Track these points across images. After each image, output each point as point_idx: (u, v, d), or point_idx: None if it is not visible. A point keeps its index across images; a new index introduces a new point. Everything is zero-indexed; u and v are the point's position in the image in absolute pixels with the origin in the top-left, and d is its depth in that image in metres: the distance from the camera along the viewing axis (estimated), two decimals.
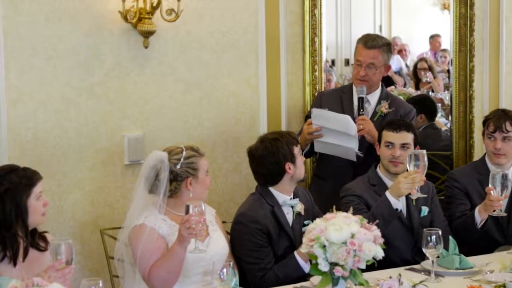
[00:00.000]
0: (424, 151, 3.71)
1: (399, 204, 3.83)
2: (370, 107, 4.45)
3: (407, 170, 3.74)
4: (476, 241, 4.08)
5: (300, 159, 3.84)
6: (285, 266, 3.65)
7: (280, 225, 3.76)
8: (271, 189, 3.82)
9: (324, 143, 4.28)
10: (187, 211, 3.22)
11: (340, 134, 4.21)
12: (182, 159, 3.51)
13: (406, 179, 3.71)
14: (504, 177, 3.77)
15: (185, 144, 3.63)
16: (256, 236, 3.69)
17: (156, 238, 3.44)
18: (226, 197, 4.56)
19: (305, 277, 3.55)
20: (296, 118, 4.73)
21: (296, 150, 3.83)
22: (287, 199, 3.82)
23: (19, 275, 2.96)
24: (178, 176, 3.50)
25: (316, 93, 4.69)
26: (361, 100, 4.33)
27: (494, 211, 3.87)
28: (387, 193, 3.82)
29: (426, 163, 3.66)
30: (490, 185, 3.80)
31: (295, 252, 3.64)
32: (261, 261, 3.67)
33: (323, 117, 4.24)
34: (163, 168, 3.49)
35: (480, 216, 4.01)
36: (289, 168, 3.80)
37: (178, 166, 3.51)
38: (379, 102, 4.44)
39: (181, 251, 3.32)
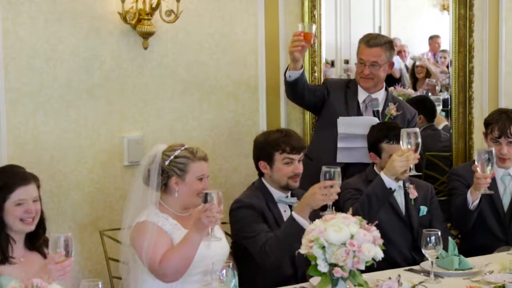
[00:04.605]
0: (417, 129, 3.73)
1: (393, 183, 3.85)
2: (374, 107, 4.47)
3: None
4: (471, 224, 4.13)
5: (280, 166, 3.83)
6: (283, 225, 3.68)
7: (274, 218, 3.78)
8: (266, 183, 3.88)
9: (350, 149, 4.30)
10: (205, 199, 3.23)
11: (366, 137, 4.23)
12: (172, 157, 3.53)
13: (400, 157, 3.71)
14: (490, 153, 3.80)
15: (189, 145, 3.63)
16: (252, 213, 3.74)
17: (160, 232, 3.44)
18: (226, 197, 4.51)
19: (304, 233, 3.53)
20: (295, 120, 4.74)
21: (278, 156, 3.83)
22: (282, 196, 3.86)
23: (18, 276, 2.97)
24: (164, 172, 3.52)
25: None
26: (377, 112, 4.37)
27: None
28: (382, 173, 3.85)
29: (420, 141, 3.67)
30: (476, 163, 3.84)
31: (293, 212, 3.63)
32: (261, 231, 3.69)
33: (348, 124, 4.28)
34: (155, 160, 3.52)
35: (471, 196, 4.04)
36: (265, 168, 3.86)
37: (166, 163, 3.52)
38: (386, 104, 4.45)
39: (198, 239, 3.33)
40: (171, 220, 3.50)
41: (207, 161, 3.60)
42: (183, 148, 3.57)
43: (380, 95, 4.48)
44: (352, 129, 4.32)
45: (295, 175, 3.85)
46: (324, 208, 3.48)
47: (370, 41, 4.40)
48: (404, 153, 3.69)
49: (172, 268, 3.37)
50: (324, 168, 3.42)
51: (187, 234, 3.38)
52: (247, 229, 3.72)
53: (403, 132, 3.68)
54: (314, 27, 4.24)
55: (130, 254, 3.53)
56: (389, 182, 3.83)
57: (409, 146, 3.65)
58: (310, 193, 3.52)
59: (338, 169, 3.43)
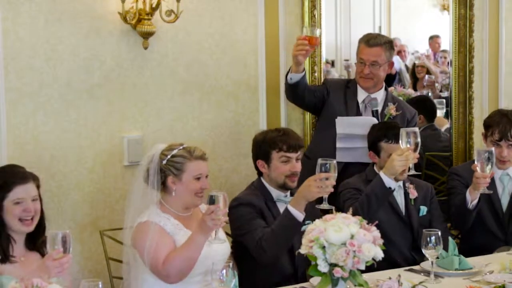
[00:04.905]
0: (416, 129, 3.73)
1: (392, 183, 3.85)
2: (373, 107, 4.47)
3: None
4: (470, 224, 4.14)
5: (278, 165, 3.85)
6: (278, 218, 3.68)
7: (273, 217, 3.79)
8: (265, 182, 3.89)
9: (348, 149, 4.30)
10: (211, 202, 3.23)
11: (365, 137, 4.23)
12: (169, 156, 3.53)
13: (399, 156, 3.71)
14: (490, 153, 3.80)
15: (187, 144, 3.63)
16: (251, 211, 3.75)
17: (162, 232, 3.45)
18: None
19: (299, 226, 3.56)
20: (295, 120, 4.74)
21: (275, 155, 3.85)
22: (281, 195, 3.87)
23: (19, 276, 2.97)
24: (161, 171, 3.52)
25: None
26: (376, 112, 4.37)
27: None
28: (381, 173, 3.85)
29: (419, 140, 3.67)
30: (476, 162, 3.85)
31: (288, 205, 3.63)
32: (258, 226, 3.70)
33: (347, 124, 4.27)
34: (153, 160, 3.54)
35: (470, 196, 4.05)
36: (263, 167, 3.87)
37: (164, 162, 3.53)
38: (385, 104, 4.46)
39: (202, 241, 3.33)
40: (172, 220, 3.50)
41: (205, 160, 3.60)
42: (181, 147, 3.57)
43: (380, 95, 4.48)
44: (351, 129, 4.32)
45: (292, 174, 3.85)
46: (320, 201, 3.48)
47: (370, 40, 4.41)
48: (404, 152, 3.69)
49: (175, 269, 3.37)
50: (320, 161, 3.42)
51: (191, 236, 3.38)
52: (245, 226, 3.72)
53: (403, 131, 3.68)
54: (318, 31, 4.24)
55: (131, 254, 3.53)
56: (388, 181, 3.83)
57: (408, 146, 3.65)
58: (305, 185, 3.52)
59: (334, 162, 3.41)
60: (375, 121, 4.31)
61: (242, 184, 4.37)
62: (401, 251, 4.01)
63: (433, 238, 3.40)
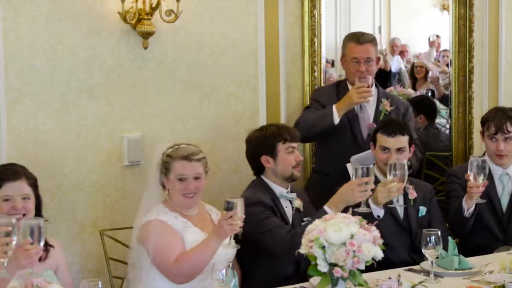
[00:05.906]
0: (405, 161, 3.72)
1: (380, 211, 3.85)
2: (368, 105, 4.47)
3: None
4: (469, 229, 4.14)
5: (285, 156, 3.86)
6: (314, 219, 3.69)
7: (280, 213, 3.79)
8: (266, 180, 3.90)
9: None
10: (228, 207, 3.26)
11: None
12: (164, 155, 3.58)
13: (383, 188, 3.73)
14: (483, 162, 3.79)
15: (186, 144, 3.64)
16: (263, 209, 3.76)
17: (171, 230, 3.46)
18: (226, 198, 4.54)
19: None
20: (295, 119, 4.73)
21: (281, 147, 3.86)
22: (283, 191, 3.89)
23: (12, 271, 2.96)
24: (159, 170, 3.58)
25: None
26: None
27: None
28: (369, 202, 3.80)
29: (406, 173, 3.66)
30: (469, 172, 3.82)
31: (325, 206, 3.65)
32: (278, 223, 3.72)
33: (359, 161, 4.28)
34: (158, 157, 3.59)
35: (466, 204, 4.04)
36: (267, 162, 3.87)
37: (160, 161, 3.58)
38: (379, 100, 4.46)
39: (217, 245, 3.36)
40: (180, 218, 3.52)
41: (191, 161, 3.56)
42: (176, 146, 3.59)
43: (373, 92, 4.49)
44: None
45: (297, 164, 3.90)
46: (357, 204, 3.52)
47: (360, 38, 4.44)
48: (388, 184, 3.69)
49: (186, 270, 3.38)
50: (358, 165, 3.50)
51: (206, 239, 3.41)
52: (261, 224, 3.71)
53: (391, 163, 3.69)
54: (371, 78, 4.31)
55: (136, 253, 3.53)
56: (376, 211, 3.84)
57: (394, 178, 3.65)
58: (347, 189, 3.58)
59: (371, 166, 3.53)
60: None
61: (242, 185, 4.37)
62: (401, 255, 3.97)
63: (433, 238, 3.39)
